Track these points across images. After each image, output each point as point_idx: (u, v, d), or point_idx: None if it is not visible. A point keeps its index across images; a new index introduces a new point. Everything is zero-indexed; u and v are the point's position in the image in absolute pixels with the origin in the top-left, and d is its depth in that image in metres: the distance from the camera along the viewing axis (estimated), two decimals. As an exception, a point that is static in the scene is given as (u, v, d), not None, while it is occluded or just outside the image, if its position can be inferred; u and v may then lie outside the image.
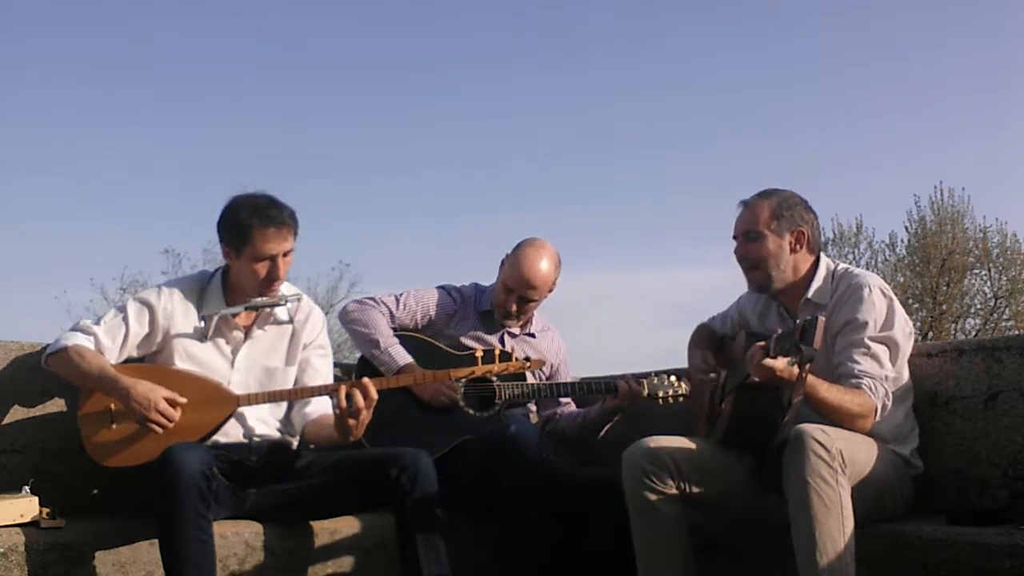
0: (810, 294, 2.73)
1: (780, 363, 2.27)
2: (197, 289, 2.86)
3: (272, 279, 2.76)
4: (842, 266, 2.79)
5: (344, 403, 2.57)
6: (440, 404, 3.16)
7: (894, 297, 2.68)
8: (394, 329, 3.26)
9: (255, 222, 2.70)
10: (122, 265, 23.61)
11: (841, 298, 2.67)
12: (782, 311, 2.82)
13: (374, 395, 2.58)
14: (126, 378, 2.62)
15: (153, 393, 2.59)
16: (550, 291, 3.33)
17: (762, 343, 2.33)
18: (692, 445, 2.61)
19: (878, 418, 2.53)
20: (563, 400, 3.44)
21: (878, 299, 2.63)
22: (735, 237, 2.80)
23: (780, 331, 2.32)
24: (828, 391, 2.45)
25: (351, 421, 2.58)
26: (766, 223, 2.72)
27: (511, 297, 3.28)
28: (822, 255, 2.79)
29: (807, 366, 2.25)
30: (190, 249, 22.68)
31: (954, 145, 27.42)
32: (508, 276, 3.28)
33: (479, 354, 2.69)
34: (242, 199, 2.76)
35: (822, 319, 2.18)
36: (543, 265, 3.26)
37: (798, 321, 2.24)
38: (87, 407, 2.69)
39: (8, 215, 25.98)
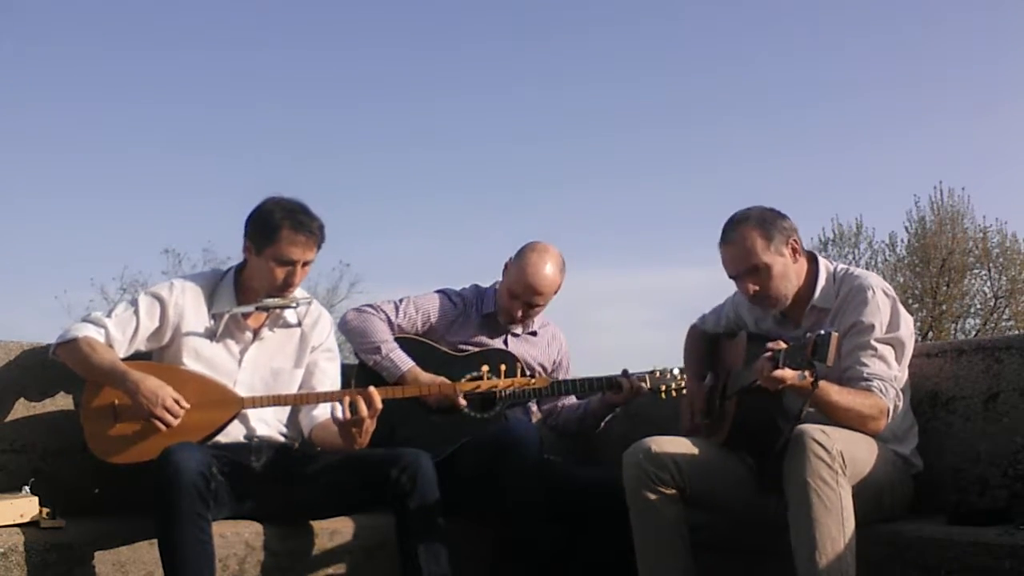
0: (815, 299, 2.71)
1: (790, 374, 2.26)
2: (209, 286, 2.87)
3: (287, 285, 2.77)
4: (840, 267, 2.77)
5: (348, 412, 2.57)
6: (438, 403, 3.13)
7: (896, 297, 2.68)
8: (394, 336, 3.24)
9: (287, 224, 2.73)
10: (122, 265, 23.62)
11: (845, 300, 2.65)
12: (778, 314, 2.81)
13: (378, 404, 2.59)
14: (136, 372, 2.63)
15: (161, 390, 2.60)
16: (555, 294, 3.32)
17: (769, 354, 2.31)
18: (693, 446, 2.61)
19: (890, 419, 2.53)
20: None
21: (882, 300, 2.62)
22: (733, 277, 2.73)
23: (791, 344, 2.30)
24: (839, 394, 2.45)
25: (354, 429, 2.59)
26: (764, 250, 2.66)
27: (516, 303, 3.26)
28: (819, 257, 2.77)
29: (819, 382, 2.25)
30: (190, 249, 22.76)
31: (954, 145, 27.42)
32: (513, 282, 3.26)
33: (485, 370, 2.69)
34: (278, 200, 2.79)
35: (836, 335, 2.15)
36: (548, 270, 3.24)
37: (808, 335, 2.22)
38: (92, 402, 2.69)
39: (9, 215, 26.00)
